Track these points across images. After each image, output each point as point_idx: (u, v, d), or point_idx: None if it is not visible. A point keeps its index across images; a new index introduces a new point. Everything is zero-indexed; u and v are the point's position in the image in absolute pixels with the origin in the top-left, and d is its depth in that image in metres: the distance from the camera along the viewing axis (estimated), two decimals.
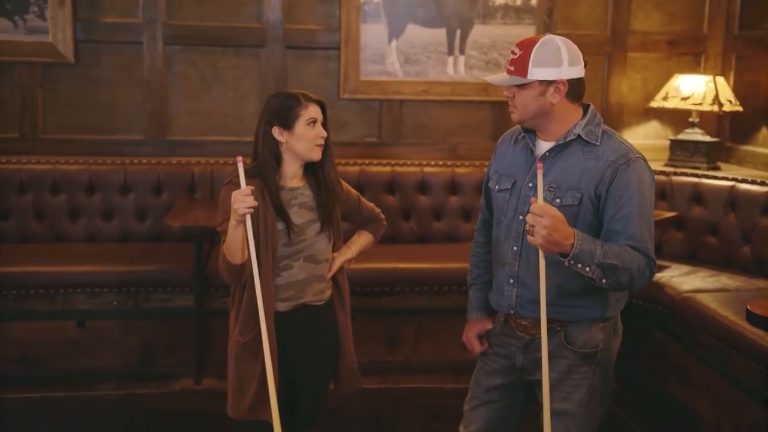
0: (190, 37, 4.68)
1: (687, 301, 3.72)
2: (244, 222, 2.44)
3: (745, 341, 3.23)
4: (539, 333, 2.31)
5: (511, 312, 2.45)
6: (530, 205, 2.15)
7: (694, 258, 4.34)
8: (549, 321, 2.24)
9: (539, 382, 2.33)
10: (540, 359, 2.26)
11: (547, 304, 2.21)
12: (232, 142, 4.71)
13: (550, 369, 2.28)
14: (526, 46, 2.30)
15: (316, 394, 2.82)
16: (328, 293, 2.76)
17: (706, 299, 3.65)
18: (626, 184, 2.27)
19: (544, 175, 2.30)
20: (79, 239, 4.52)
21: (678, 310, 3.76)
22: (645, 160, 2.34)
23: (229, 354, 2.75)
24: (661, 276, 4.02)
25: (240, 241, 2.50)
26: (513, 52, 2.32)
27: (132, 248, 4.39)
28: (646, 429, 3.73)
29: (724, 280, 3.97)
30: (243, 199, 2.40)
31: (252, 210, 2.42)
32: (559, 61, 2.28)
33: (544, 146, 2.40)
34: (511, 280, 2.42)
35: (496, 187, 2.48)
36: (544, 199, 2.25)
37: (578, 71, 2.32)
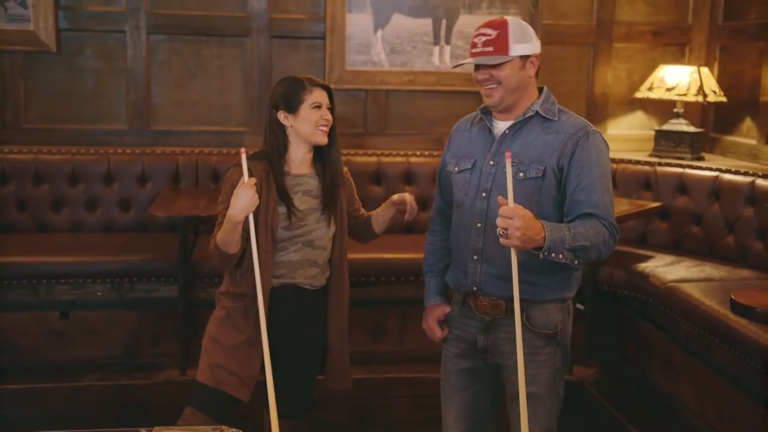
0: (173, 27, 4.63)
1: (671, 290, 3.73)
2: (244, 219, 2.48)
3: (729, 330, 3.25)
4: (499, 313, 2.43)
5: (475, 288, 2.47)
6: (499, 206, 2.19)
7: (678, 248, 4.36)
8: (512, 301, 2.27)
9: (501, 366, 2.46)
10: (501, 340, 2.43)
11: (509, 281, 2.26)
12: (217, 132, 4.69)
13: (514, 352, 2.30)
14: (498, 25, 2.37)
15: (302, 386, 2.82)
16: (321, 280, 2.78)
17: (690, 289, 3.66)
18: (587, 155, 2.36)
19: (504, 152, 2.32)
20: (63, 229, 4.48)
21: (662, 299, 3.77)
22: (600, 133, 2.44)
23: (210, 320, 2.79)
24: (646, 266, 4.03)
25: (238, 234, 2.53)
26: (484, 34, 2.38)
27: (116, 238, 4.35)
28: (630, 417, 3.74)
29: (708, 269, 3.98)
30: (246, 197, 2.43)
31: (253, 209, 2.46)
32: (530, 36, 2.41)
33: (501, 126, 2.47)
34: (476, 257, 2.46)
35: (455, 169, 2.53)
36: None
37: (540, 47, 2.44)
